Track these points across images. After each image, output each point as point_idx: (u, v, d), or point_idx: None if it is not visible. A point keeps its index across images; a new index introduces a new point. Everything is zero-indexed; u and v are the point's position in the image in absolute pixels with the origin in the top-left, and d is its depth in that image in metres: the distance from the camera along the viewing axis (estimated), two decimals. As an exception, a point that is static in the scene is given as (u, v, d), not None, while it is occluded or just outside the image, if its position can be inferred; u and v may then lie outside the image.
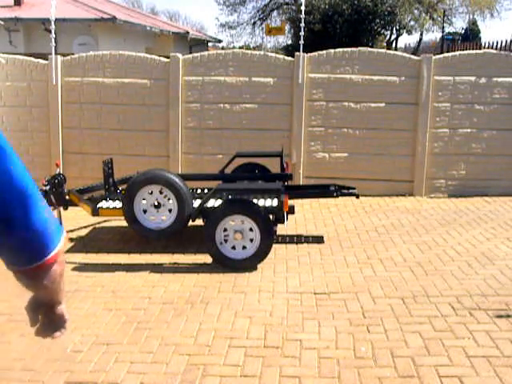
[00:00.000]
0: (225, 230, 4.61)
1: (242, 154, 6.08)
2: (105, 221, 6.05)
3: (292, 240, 5.41)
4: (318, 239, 5.43)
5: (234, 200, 4.80)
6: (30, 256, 1.21)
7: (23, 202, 1.14)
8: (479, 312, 3.76)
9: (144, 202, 4.78)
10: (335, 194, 5.35)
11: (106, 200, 5.35)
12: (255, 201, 4.91)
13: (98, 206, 5.12)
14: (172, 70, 7.11)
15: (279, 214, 4.84)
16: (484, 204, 6.90)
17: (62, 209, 5.43)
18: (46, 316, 1.41)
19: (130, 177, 5.60)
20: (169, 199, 4.75)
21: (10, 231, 1.14)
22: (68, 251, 5.10)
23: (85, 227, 5.86)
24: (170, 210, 4.75)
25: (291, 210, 5.08)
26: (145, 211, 4.78)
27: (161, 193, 4.76)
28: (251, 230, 4.56)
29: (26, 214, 1.15)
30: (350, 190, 5.43)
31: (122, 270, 4.61)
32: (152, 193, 4.76)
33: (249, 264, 4.59)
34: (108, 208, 5.11)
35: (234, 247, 4.62)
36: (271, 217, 4.80)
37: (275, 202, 5.03)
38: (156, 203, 4.78)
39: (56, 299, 1.39)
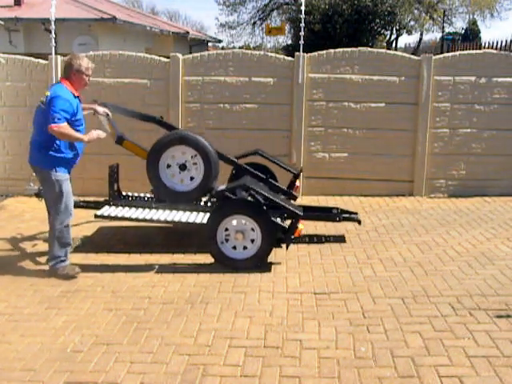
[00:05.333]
0: (226, 229, 4.60)
1: (261, 154, 5.79)
2: (105, 221, 6.04)
3: (312, 240, 5.36)
4: (340, 238, 5.38)
5: (239, 200, 4.74)
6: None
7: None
8: (479, 312, 3.76)
9: (169, 162, 4.67)
10: (337, 219, 5.27)
11: (109, 205, 5.32)
12: (269, 214, 4.71)
13: (122, 137, 4.94)
14: (172, 70, 7.11)
15: (287, 237, 4.67)
16: (484, 204, 6.90)
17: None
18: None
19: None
20: (195, 163, 4.63)
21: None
22: (68, 251, 5.11)
23: (85, 227, 5.85)
24: (193, 176, 4.64)
25: None
26: (169, 172, 4.66)
27: (186, 155, 4.65)
28: (253, 230, 4.55)
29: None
30: (352, 215, 5.37)
31: (121, 270, 4.61)
32: (175, 156, 4.64)
33: (249, 264, 4.58)
34: (132, 143, 5.00)
35: (234, 247, 4.61)
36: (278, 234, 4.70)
37: (288, 224, 4.77)
38: (182, 165, 4.67)
39: (80, 140, 4.46)
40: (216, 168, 4.71)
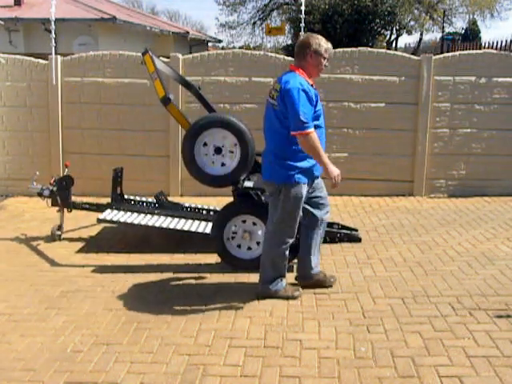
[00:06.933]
0: (234, 228, 4.58)
1: None
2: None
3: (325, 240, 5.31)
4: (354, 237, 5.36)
5: (259, 203, 4.69)
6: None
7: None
8: (479, 312, 3.76)
9: (207, 141, 4.52)
10: (338, 235, 5.28)
11: (111, 209, 5.32)
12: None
13: (169, 98, 4.55)
14: (172, 70, 7.10)
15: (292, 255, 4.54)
16: (484, 204, 6.90)
17: (66, 210, 5.45)
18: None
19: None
20: (231, 151, 4.53)
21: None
22: (68, 251, 5.11)
23: (85, 227, 5.85)
24: (225, 163, 4.53)
25: None
26: (203, 151, 4.51)
27: (226, 140, 4.53)
28: (260, 233, 4.54)
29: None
30: (353, 232, 5.37)
31: (121, 271, 4.61)
32: (215, 137, 4.53)
33: (255, 264, 4.56)
34: (177, 109, 4.77)
35: (239, 246, 4.59)
36: None
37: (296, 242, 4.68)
38: (217, 149, 4.52)
39: (320, 162, 3.64)
40: (250, 165, 4.61)
